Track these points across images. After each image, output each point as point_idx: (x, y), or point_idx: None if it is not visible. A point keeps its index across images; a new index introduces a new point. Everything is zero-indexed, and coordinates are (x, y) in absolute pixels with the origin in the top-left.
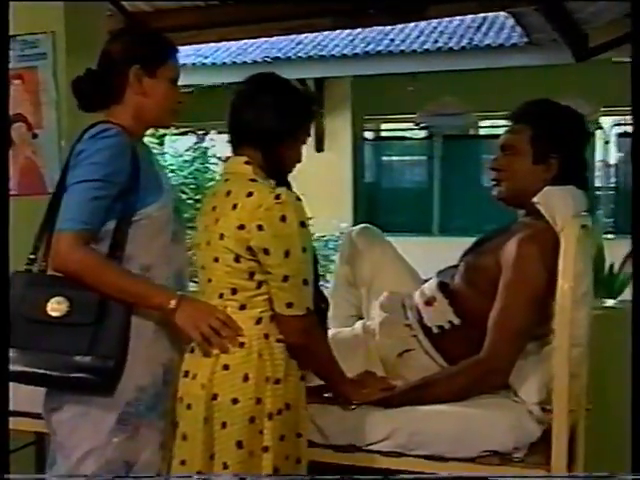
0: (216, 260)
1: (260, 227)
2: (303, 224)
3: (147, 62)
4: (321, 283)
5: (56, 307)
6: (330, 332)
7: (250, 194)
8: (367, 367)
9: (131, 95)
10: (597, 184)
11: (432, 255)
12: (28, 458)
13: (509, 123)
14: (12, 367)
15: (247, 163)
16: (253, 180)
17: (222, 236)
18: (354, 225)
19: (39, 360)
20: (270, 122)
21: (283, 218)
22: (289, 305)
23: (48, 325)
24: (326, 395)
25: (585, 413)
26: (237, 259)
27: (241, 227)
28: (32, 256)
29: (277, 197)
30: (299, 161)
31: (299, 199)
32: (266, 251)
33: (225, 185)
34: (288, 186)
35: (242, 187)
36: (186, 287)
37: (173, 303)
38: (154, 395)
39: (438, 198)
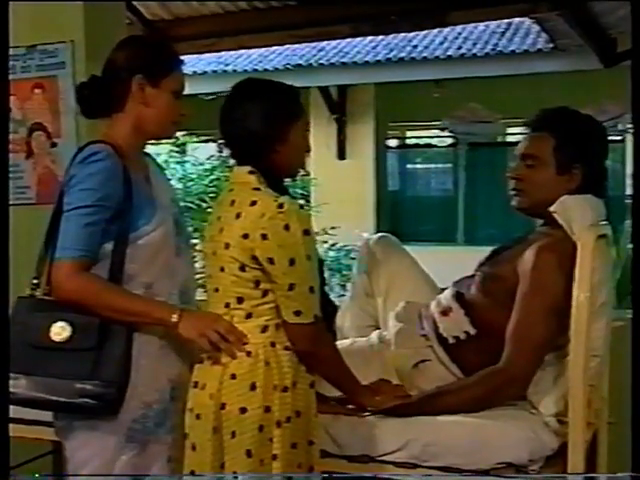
0: (222, 270)
1: (264, 236)
2: (307, 232)
3: (151, 72)
4: (342, 293)
5: (59, 332)
6: (346, 342)
7: (253, 203)
8: (382, 377)
9: (133, 104)
10: (628, 192)
11: (457, 265)
12: (46, 467)
13: (527, 131)
14: (17, 392)
15: (251, 173)
16: (257, 189)
17: (227, 245)
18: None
19: (43, 386)
20: (253, 131)
21: (287, 227)
22: (297, 313)
23: (51, 350)
24: (348, 407)
25: (608, 427)
26: (242, 268)
27: (245, 236)
28: (35, 281)
29: (280, 206)
30: (307, 151)
31: (302, 207)
32: (271, 260)
33: (230, 195)
34: (288, 195)
35: (246, 196)
36: (192, 301)
37: (175, 317)
38: (161, 411)
39: (463, 207)
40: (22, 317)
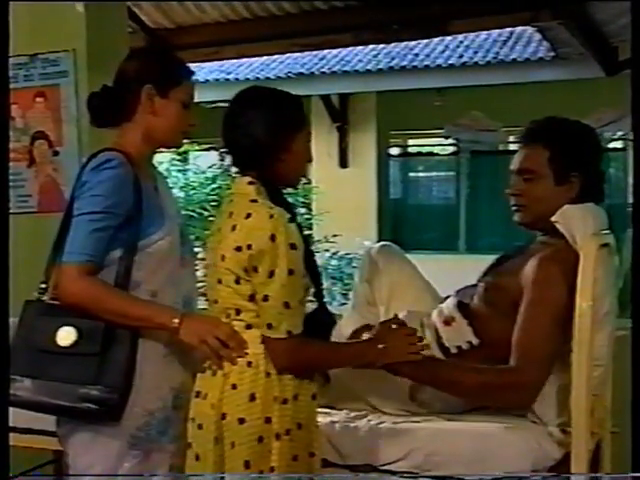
0: (219, 281)
1: (249, 247)
2: (293, 246)
3: (160, 82)
4: (343, 301)
5: (65, 337)
6: None
7: (248, 216)
8: (384, 385)
9: (142, 114)
10: (630, 200)
11: (459, 273)
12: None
13: (520, 145)
14: (21, 395)
15: (250, 183)
16: (254, 201)
17: (223, 257)
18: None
19: (47, 389)
20: (256, 139)
21: (272, 237)
22: (268, 326)
23: (57, 354)
24: None
25: (611, 436)
26: (237, 280)
27: (238, 249)
28: (43, 285)
29: (271, 217)
30: (309, 160)
31: (292, 220)
32: (255, 269)
33: (229, 206)
34: (287, 206)
35: (243, 208)
36: (195, 310)
37: (176, 321)
38: (164, 419)
39: (465, 215)
40: (29, 321)
